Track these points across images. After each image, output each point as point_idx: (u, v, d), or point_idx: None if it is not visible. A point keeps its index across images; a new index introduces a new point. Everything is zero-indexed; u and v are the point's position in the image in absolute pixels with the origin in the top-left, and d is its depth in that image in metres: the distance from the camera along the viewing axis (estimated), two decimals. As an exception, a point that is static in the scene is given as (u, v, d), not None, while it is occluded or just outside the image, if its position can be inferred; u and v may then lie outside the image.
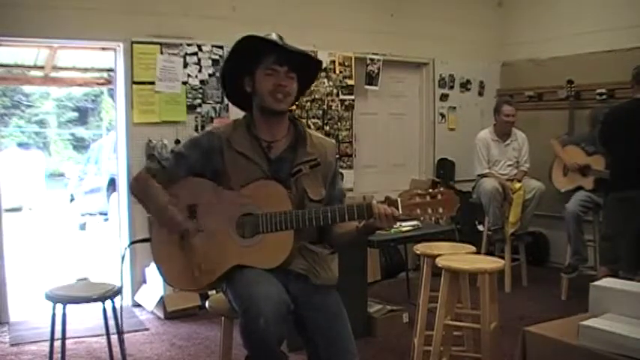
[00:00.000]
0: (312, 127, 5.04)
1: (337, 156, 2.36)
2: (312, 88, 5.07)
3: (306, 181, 2.15)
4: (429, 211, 2.00)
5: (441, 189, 2.05)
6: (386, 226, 2.01)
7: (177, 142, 4.36)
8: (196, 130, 4.54)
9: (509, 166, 5.14)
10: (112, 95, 10.27)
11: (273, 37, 2.11)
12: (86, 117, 17.00)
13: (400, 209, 2.00)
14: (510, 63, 6.17)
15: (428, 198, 2.01)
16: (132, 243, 2.61)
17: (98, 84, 8.23)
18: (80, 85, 8.49)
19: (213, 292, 2.62)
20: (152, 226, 2.21)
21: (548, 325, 2.24)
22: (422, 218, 2.03)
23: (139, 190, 2.19)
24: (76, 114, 16.87)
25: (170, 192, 2.13)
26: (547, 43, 5.73)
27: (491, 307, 2.90)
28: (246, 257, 2.05)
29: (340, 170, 5.54)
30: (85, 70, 7.42)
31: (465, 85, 6.10)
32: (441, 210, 2.01)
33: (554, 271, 4.89)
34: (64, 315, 2.77)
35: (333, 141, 2.39)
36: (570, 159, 4.80)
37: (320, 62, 2.26)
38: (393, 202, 2.01)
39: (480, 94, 6.19)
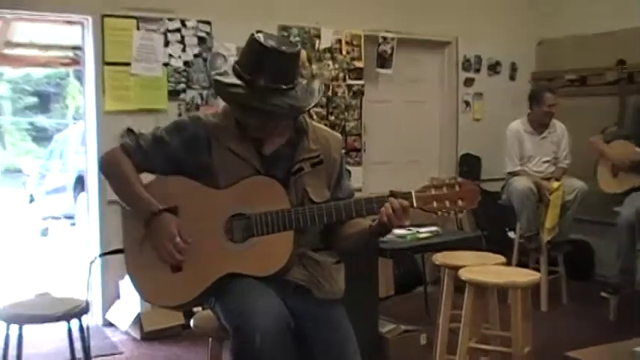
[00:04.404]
0: (314, 117, 5.06)
1: (343, 151, 2.38)
2: (314, 72, 5.11)
3: (308, 181, 2.18)
4: (447, 204, 2.05)
5: (459, 179, 2.08)
6: (397, 223, 2.03)
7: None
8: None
9: (546, 162, 5.14)
10: (79, 78, 10.29)
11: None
12: (48, 103, 17.04)
13: (414, 202, 2.04)
14: (548, 41, 6.17)
15: (445, 190, 2.06)
16: (102, 254, 2.63)
17: (62, 64, 8.25)
18: (41, 65, 8.52)
19: (199, 308, 2.64)
20: (125, 225, 2.23)
21: (593, 351, 2.26)
22: (439, 213, 2.06)
23: (110, 169, 2.24)
24: (35, 99, 16.90)
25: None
26: (593, 16, 5.68)
27: (524, 328, 2.91)
28: (238, 265, 2.07)
29: (347, 167, 5.56)
30: (47, 47, 7.43)
31: (494, 68, 6.10)
32: (460, 203, 2.05)
33: (600, 287, 4.88)
34: (20, 337, 2.76)
35: (339, 135, 2.42)
36: (620, 156, 4.77)
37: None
38: (406, 194, 2.05)
39: (512, 78, 6.19)
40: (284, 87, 2.04)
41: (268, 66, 2.02)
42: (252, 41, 2.05)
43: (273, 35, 2.13)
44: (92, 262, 2.60)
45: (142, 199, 2.15)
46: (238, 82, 2.04)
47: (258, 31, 2.07)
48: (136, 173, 2.19)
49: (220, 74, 2.09)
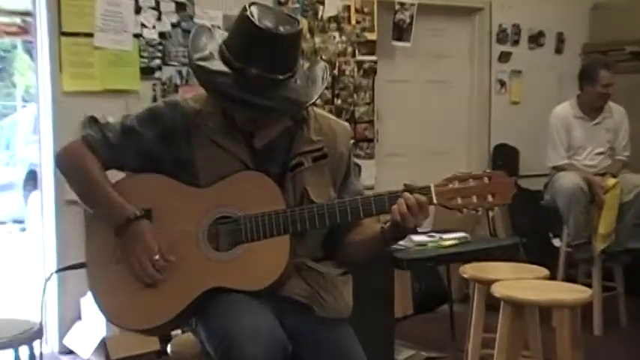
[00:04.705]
0: (317, 101, 5.09)
1: (352, 143, 2.40)
2: (317, 46, 5.13)
3: (309, 179, 2.20)
4: (475, 200, 2.07)
5: (489, 171, 2.11)
6: (413, 223, 2.05)
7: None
8: (155, 102, 4.58)
9: (600, 154, 5.15)
10: (29, 51, 10.31)
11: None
12: (-9, 82, 17.07)
13: (434, 197, 2.07)
14: (603, 5, 6.17)
15: (472, 182, 2.08)
16: (60, 270, 2.66)
17: (8, 33, 8.27)
18: (-19, 35, 8.53)
19: (178, 331, 2.66)
20: (89, 231, 2.25)
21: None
22: (465, 211, 2.09)
23: (70, 168, 2.24)
24: (-25, 77, 16.94)
25: None
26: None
27: (573, 355, 2.93)
28: (224, 277, 2.09)
29: (356, 161, 5.58)
30: (-12, 13, 7.44)
31: (536, 40, 6.12)
32: (490, 198, 2.08)
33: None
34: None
35: (347, 124, 2.43)
36: None
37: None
38: (424, 188, 2.08)
39: (558, 51, 6.21)
40: (281, 77, 2.04)
41: (262, 52, 2.01)
42: (244, 19, 2.02)
43: (270, 9, 2.10)
44: (48, 280, 2.62)
45: (113, 204, 2.16)
46: (226, 69, 2.04)
47: (251, 4, 2.05)
48: (103, 172, 2.20)
49: (204, 59, 2.07)
